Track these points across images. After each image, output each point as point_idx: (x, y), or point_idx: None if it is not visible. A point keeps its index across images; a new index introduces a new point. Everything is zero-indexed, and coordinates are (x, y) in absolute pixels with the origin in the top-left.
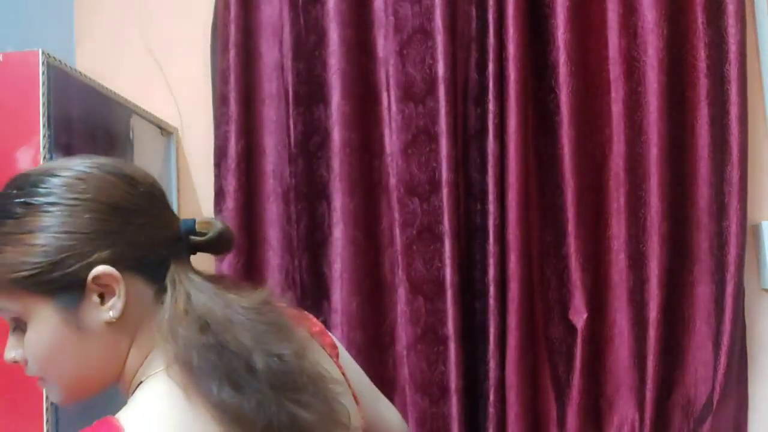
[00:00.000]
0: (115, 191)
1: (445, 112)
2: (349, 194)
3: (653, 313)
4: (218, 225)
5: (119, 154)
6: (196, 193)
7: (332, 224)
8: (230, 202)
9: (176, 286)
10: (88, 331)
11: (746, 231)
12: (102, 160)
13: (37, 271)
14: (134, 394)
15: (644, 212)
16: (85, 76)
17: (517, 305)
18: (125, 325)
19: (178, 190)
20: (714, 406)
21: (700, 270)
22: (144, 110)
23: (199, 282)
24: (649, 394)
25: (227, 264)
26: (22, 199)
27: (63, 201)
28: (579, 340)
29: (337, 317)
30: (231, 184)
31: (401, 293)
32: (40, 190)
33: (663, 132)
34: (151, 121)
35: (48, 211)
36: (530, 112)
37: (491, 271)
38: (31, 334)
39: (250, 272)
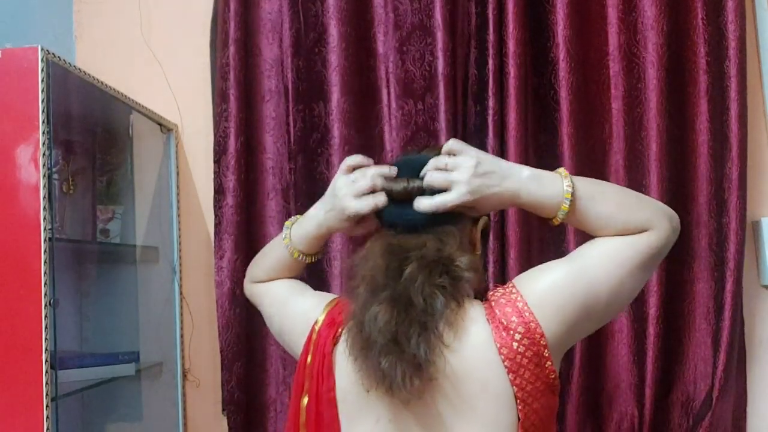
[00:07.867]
0: None
1: (444, 109)
2: None
3: (653, 310)
4: None
5: (119, 151)
6: (196, 190)
7: None
8: (230, 199)
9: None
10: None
11: (746, 228)
12: None
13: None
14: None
15: None
16: (84, 72)
17: None
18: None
19: (178, 187)
20: (713, 402)
21: (700, 267)
22: (144, 107)
23: None
24: (648, 391)
25: (227, 260)
26: None
27: None
28: None
29: None
30: (231, 180)
31: None
32: None
33: (662, 128)
34: (150, 118)
35: None
36: (530, 109)
37: (490, 268)
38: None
39: None
